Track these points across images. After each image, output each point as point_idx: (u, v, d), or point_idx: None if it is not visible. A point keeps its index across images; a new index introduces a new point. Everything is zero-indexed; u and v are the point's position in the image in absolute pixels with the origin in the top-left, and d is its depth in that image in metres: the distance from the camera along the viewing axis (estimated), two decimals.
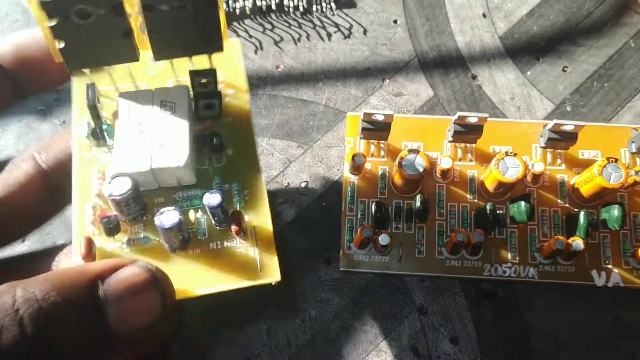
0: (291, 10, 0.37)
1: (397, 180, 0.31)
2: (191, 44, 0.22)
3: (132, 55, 0.22)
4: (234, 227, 0.22)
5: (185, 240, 0.22)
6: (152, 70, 0.26)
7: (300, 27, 0.37)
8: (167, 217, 0.21)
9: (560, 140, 0.31)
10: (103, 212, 0.23)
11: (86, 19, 0.20)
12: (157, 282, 0.19)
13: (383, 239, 0.30)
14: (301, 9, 0.37)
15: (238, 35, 0.37)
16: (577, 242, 0.30)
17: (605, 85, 0.35)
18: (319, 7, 0.37)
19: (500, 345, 0.31)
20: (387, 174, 0.33)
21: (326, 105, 0.35)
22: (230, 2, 0.36)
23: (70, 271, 0.18)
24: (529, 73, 0.35)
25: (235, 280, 0.22)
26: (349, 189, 0.33)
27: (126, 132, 0.23)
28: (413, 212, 0.32)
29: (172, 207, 0.21)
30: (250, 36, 0.37)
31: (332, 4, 0.36)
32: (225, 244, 0.23)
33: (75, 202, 0.23)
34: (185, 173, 0.23)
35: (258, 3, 0.36)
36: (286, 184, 0.34)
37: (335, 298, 0.32)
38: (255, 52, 0.36)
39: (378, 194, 0.33)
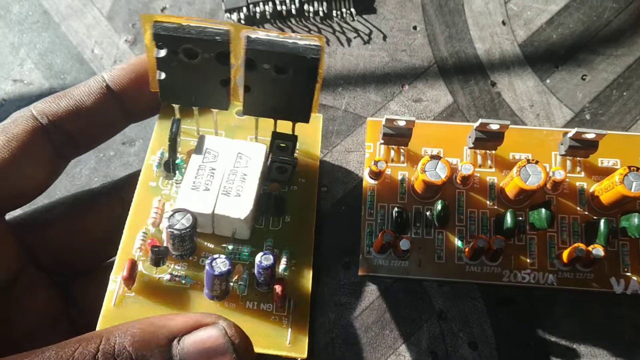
0: (311, 15, 0.37)
1: (418, 186, 0.31)
2: (280, 108, 0.23)
3: (223, 104, 0.23)
4: (277, 289, 0.22)
5: (225, 291, 0.23)
6: (235, 123, 0.27)
7: (319, 32, 0.37)
8: (219, 264, 0.21)
9: (581, 148, 0.31)
10: (154, 241, 0.23)
11: (191, 59, 0.21)
12: (235, 348, 0.19)
13: (404, 244, 0.30)
14: (321, 14, 0.37)
15: None
16: (598, 250, 0.30)
17: (625, 93, 0.35)
18: (339, 12, 0.37)
19: (519, 351, 0.31)
20: (406, 180, 0.33)
21: (346, 110, 0.35)
22: (250, 7, 0.36)
23: (152, 325, 0.19)
24: (548, 81, 0.35)
25: (262, 345, 0.22)
26: (369, 194, 0.33)
27: (198, 171, 0.24)
28: (433, 218, 0.32)
29: (224, 256, 0.22)
30: None
31: (352, 10, 0.37)
32: (262, 306, 0.23)
33: (128, 224, 0.24)
34: (242, 227, 0.23)
35: (278, 8, 0.36)
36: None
37: (355, 302, 0.32)
38: None
39: (398, 199, 0.33)
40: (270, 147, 0.25)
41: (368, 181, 0.33)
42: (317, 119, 0.28)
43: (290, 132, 0.25)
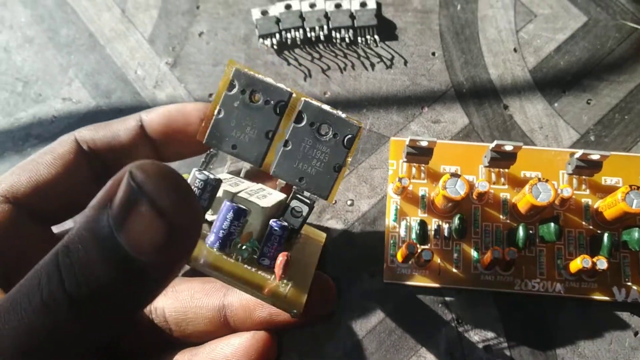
0: (338, 41, 0.40)
1: (438, 201, 0.34)
2: (308, 174, 0.25)
3: (257, 158, 0.26)
4: (280, 258, 0.23)
5: (230, 240, 0.23)
6: (259, 185, 0.28)
7: (346, 57, 0.40)
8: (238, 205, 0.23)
9: (587, 168, 0.35)
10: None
11: (252, 102, 0.24)
12: (146, 191, 0.15)
13: (426, 255, 0.33)
14: (347, 40, 0.40)
15: (289, 64, 0.40)
16: (601, 261, 0.33)
17: (626, 117, 0.38)
18: (363, 39, 0.40)
19: (530, 354, 0.34)
20: (427, 195, 0.36)
21: (370, 129, 0.38)
22: (283, 33, 0.40)
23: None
24: (556, 105, 0.38)
25: (257, 290, 0.22)
26: (393, 207, 0.36)
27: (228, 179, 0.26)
28: (452, 230, 0.35)
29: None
30: (300, 64, 0.40)
31: (376, 37, 0.40)
32: (260, 272, 0.23)
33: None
34: (258, 222, 0.24)
35: (308, 34, 0.39)
36: (334, 202, 0.37)
37: (379, 307, 0.35)
38: (305, 80, 0.39)
39: (419, 212, 0.36)
40: (283, 204, 0.26)
41: (391, 196, 0.36)
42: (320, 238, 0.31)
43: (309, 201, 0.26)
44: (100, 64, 0.40)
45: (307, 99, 0.25)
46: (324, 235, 0.32)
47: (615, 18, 0.40)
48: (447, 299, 0.35)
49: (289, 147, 0.25)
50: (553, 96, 0.39)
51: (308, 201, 0.26)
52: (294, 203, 0.26)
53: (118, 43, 0.41)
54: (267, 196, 0.26)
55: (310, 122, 0.25)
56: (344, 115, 0.25)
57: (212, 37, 0.41)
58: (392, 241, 0.35)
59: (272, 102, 0.25)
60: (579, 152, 0.34)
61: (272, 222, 0.23)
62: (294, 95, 0.25)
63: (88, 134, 0.28)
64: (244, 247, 0.23)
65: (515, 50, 0.40)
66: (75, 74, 0.40)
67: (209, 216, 0.24)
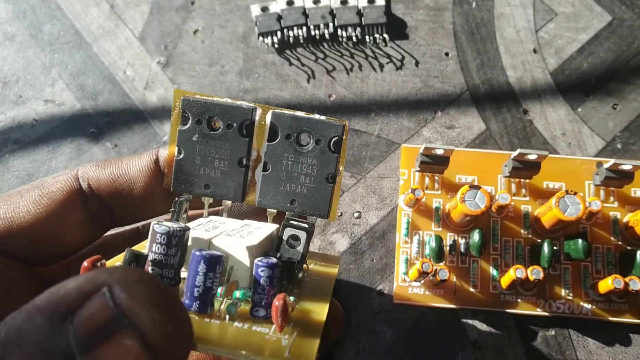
0: (344, 40, 0.37)
1: (455, 215, 0.31)
2: (298, 195, 0.22)
3: (236, 194, 0.22)
4: (277, 301, 0.17)
5: (210, 297, 0.18)
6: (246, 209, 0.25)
7: (352, 57, 0.37)
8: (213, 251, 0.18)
9: (616, 179, 0.32)
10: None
11: (213, 131, 0.21)
12: (131, 321, 0.13)
13: (442, 274, 0.30)
14: (354, 39, 0.37)
15: (291, 64, 0.37)
16: (634, 281, 0.30)
17: None
18: (371, 38, 0.37)
19: None
20: (441, 207, 0.33)
21: (379, 135, 0.35)
22: (285, 31, 0.37)
23: (49, 301, 0.14)
24: (579, 109, 0.36)
25: (258, 355, 0.17)
26: (404, 221, 0.33)
27: (198, 225, 0.21)
28: (469, 246, 0.32)
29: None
30: (303, 65, 0.37)
31: (385, 35, 0.37)
32: (254, 328, 0.18)
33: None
34: (244, 264, 0.20)
35: (312, 32, 0.37)
36: (339, 214, 0.34)
37: (389, 330, 0.32)
38: (308, 81, 0.37)
39: (433, 226, 0.33)
40: (278, 237, 0.22)
41: (403, 208, 0.33)
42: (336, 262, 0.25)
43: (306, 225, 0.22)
44: (86, 64, 0.37)
45: (275, 110, 0.21)
46: (338, 259, 0.27)
47: None
48: (464, 321, 0.32)
49: (269, 170, 0.22)
50: (576, 100, 0.36)
51: (305, 225, 0.21)
52: (288, 232, 0.21)
53: (106, 41, 0.38)
54: (254, 232, 0.21)
55: (286, 135, 0.21)
56: (322, 118, 0.21)
57: (207, 35, 0.38)
58: (404, 257, 0.32)
59: (234, 124, 0.21)
60: (609, 162, 0.31)
61: (256, 261, 0.19)
62: (259, 110, 0.21)
63: (93, 170, 0.24)
64: (231, 301, 0.19)
65: (534, 51, 0.37)
66: (59, 74, 0.37)
67: (183, 273, 0.20)
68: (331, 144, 0.21)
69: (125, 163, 0.24)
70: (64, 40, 0.38)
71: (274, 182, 0.22)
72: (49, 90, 0.36)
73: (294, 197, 0.22)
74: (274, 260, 0.18)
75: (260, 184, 0.22)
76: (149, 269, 0.19)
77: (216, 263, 0.18)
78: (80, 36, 0.38)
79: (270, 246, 0.22)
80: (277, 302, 0.17)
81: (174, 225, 0.19)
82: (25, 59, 0.37)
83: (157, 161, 0.24)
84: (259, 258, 0.19)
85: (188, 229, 0.19)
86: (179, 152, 0.22)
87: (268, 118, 0.21)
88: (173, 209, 0.22)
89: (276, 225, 0.22)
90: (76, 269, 0.18)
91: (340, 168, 0.21)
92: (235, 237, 0.20)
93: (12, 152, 0.35)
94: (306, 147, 0.21)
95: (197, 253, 0.18)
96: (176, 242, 0.19)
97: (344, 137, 0.21)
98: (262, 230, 0.22)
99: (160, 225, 0.19)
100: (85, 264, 0.17)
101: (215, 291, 0.18)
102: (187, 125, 0.21)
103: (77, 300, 0.13)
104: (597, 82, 0.36)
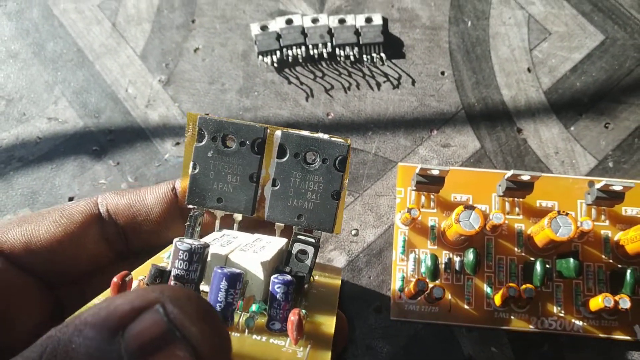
0: (342, 59, 0.38)
1: (450, 234, 0.32)
2: (305, 210, 0.23)
3: (247, 207, 0.23)
4: (292, 316, 0.19)
5: (231, 311, 0.19)
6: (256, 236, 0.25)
7: (350, 75, 0.38)
8: (233, 269, 0.19)
9: (607, 199, 0.32)
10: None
11: (227, 148, 0.22)
12: (184, 334, 0.14)
13: (437, 292, 0.31)
14: (352, 58, 0.38)
15: (290, 83, 0.37)
16: (624, 300, 0.30)
17: None
18: (369, 57, 0.38)
19: None
20: (437, 225, 0.34)
21: (376, 154, 0.36)
22: (283, 50, 0.37)
23: (99, 317, 0.14)
24: (572, 128, 0.36)
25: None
26: (400, 239, 0.33)
27: (213, 240, 0.23)
28: (464, 265, 0.32)
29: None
30: (302, 83, 0.38)
31: (382, 55, 0.38)
32: (272, 340, 0.20)
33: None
34: (258, 278, 0.21)
35: (311, 52, 0.37)
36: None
37: (386, 346, 0.32)
38: (307, 100, 0.37)
39: (428, 244, 0.33)
40: (287, 252, 0.23)
41: (399, 226, 0.34)
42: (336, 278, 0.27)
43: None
44: (88, 82, 0.38)
45: (284, 130, 0.23)
46: (340, 271, 0.29)
47: (634, 37, 0.38)
48: (459, 337, 0.33)
49: (278, 186, 0.23)
50: (569, 119, 0.37)
51: (312, 240, 0.23)
52: (297, 247, 0.23)
53: (108, 59, 0.38)
54: (266, 246, 0.23)
55: (294, 154, 0.23)
56: (327, 137, 0.23)
57: (208, 53, 0.38)
58: (400, 275, 0.33)
59: (247, 142, 0.23)
60: (600, 182, 0.32)
61: (272, 278, 0.20)
62: (269, 129, 0.23)
63: (112, 198, 0.26)
64: (248, 314, 0.20)
65: (529, 70, 0.38)
66: (61, 91, 0.37)
67: (202, 286, 0.21)
68: (336, 163, 0.22)
69: (143, 192, 0.26)
70: (66, 58, 0.38)
71: (283, 198, 0.23)
72: (52, 108, 0.37)
73: (301, 212, 0.23)
74: (289, 277, 0.20)
75: (270, 199, 0.23)
76: (172, 283, 0.20)
77: (236, 280, 0.19)
78: (82, 54, 0.38)
79: (280, 260, 0.23)
80: (292, 317, 0.19)
81: (195, 243, 0.20)
82: (28, 77, 0.38)
83: (173, 189, 0.26)
84: (275, 275, 0.20)
85: (207, 245, 0.20)
86: (194, 167, 0.23)
87: (277, 137, 0.23)
88: (188, 222, 0.23)
89: (285, 240, 0.24)
90: (90, 290, 0.20)
91: (345, 184, 0.23)
92: (249, 252, 0.22)
93: (16, 169, 0.36)
94: (313, 166, 0.23)
95: (219, 271, 0.19)
96: (197, 258, 0.20)
97: (348, 156, 0.22)
98: (273, 244, 0.23)
99: (182, 242, 0.20)
100: (115, 279, 0.18)
101: (235, 306, 0.19)
102: (203, 142, 0.23)
103: (129, 315, 0.14)
104: (589, 101, 0.37)
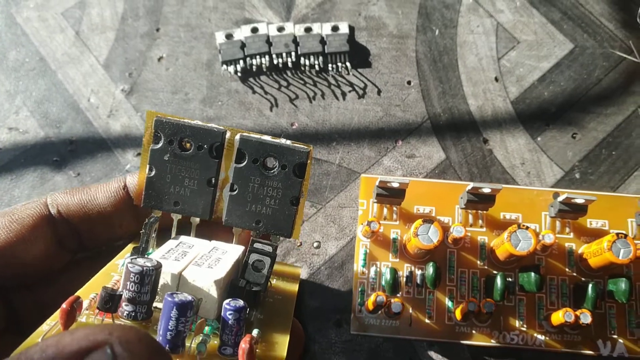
0: (307, 68, 0.37)
1: (410, 247, 0.31)
2: (263, 215, 0.23)
3: (205, 211, 0.23)
4: (243, 343, 0.18)
5: (181, 340, 0.19)
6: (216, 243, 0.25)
7: (315, 85, 0.37)
8: (180, 295, 0.19)
9: (570, 212, 0.32)
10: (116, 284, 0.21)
11: (184, 151, 0.22)
12: None
13: (395, 307, 0.30)
14: (317, 67, 0.37)
15: (254, 92, 0.37)
16: (585, 315, 0.30)
17: (613, 153, 0.36)
18: (334, 66, 0.37)
19: None
20: (399, 238, 0.33)
21: (339, 165, 0.36)
22: (247, 59, 0.37)
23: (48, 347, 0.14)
24: (539, 139, 0.36)
25: None
26: (362, 252, 0.33)
27: (168, 251, 0.22)
28: (424, 278, 0.32)
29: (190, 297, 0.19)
30: (266, 93, 0.37)
31: (348, 64, 0.37)
32: None
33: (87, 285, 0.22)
34: (212, 297, 0.21)
35: (275, 61, 0.37)
36: (299, 244, 0.34)
37: None
38: (271, 109, 0.37)
39: (390, 257, 0.33)
40: (246, 259, 0.23)
41: (361, 239, 0.33)
42: (296, 274, 0.26)
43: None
44: (50, 91, 0.37)
45: (243, 134, 0.22)
46: (298, 272, 0.27)
47: (603, 46, 0.38)
48: (420, 351, 0.32)
49: (236, 191, 0.23)
50: (536, 130, 0.36)
51: (269, 250, 0.23)
52: (253, 257, 0.22)
53: (70, 68, 0.38)
54: (221, 258, 0.23)
55: (253, 159, 0.22)
56: (288, 142, 0.22)
57: (172, 63, 0.38)
58: (360, 288, 0.33)
59: (205, 146, 0.22)
60: (562, 196, 0.31)
61: (225, 304, 0.20)
62: (228, 133, 0.22)
63: (62, 197, 0.25)
64: (200, 338, 0.20)
65: (496, 79, 0.37)
66: (23, 101, 0.37)
67: (156, 303, 0.21)
68: (296, 169, 0.22)
69: (93, 190, 0.26)
70: (28, 67, 0.38)
71: (241, 203, 0.23)
72: (13, 117, 0.37)
73: (259, 217, 0.23)
74: (241, 304, 0.20)
75: (227, 203, 0.23)
76: (124, 304, 0.20)
77: (187, 308, 0.19)
78: (45, 63, 0.38)
79: (236, 271, 0.23)
80: (244, 344, 0.18)
81: (146, 265, 0.20)
82: None
83: (125, 187, 0.25)
84: (227, 301, 0.20)
85: (160, 266, 0.20)
86: (150, 170, 0.22)
87: (237, 142, 0.22)
88: (143, 230, 0.23)
89: (242, 248, 0.23)
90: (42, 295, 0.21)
91: (304, 190, 0.23)
92: (203, 267, 0.21)
93: None
94: (272, 171, 0.22)
95: (169, 299, 0.19)
96: (148, 280, 0.20)
97: (308, 162, 0.22)
98: (229, 256, 0.23)
99: (133, 265, 0.19)
100: (64, 305, 0.18)
101: (187, 333, 0.19)
102: (159, 145, 0.22)
103: (76, 356, 0.14)
104: (557, 111, 0.37)
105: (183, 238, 0.24)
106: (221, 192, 0.23)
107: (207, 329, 0.20)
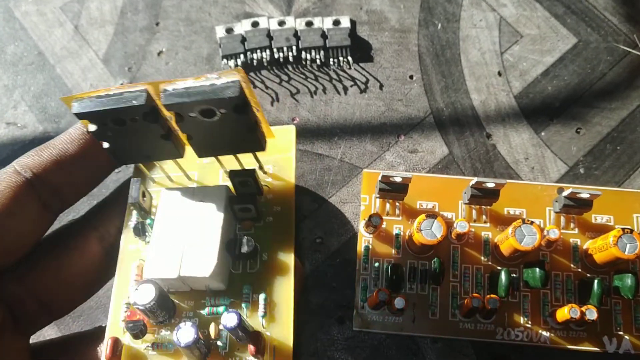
0: (308, 63, 0.37)
1: (413, 243, 0.31)
2: (231, 143, 0.23)
3: (175, 153, 0.23)
4: (251, 348, 0.21)
5: (203, 354, 0.22)
6: (205, 159, 0.26)
7: (316, 79, 0.37)
8: (183, 334, 0.21)
9: (575, 207, 0.32)
10: (132, 314, 0.23)
11: (121, 126, 0.21)
12: None
13: (398, 303, 0.30)
14: (318, 62, 0.37)
15: (255, 87, 0.37)
16: (591, 311, 0.30)
17: (618, 148, 0.35)
18: (336, 60, 0.37)
19: None
20: (402, 233, 0.33)
21: (341, 160, 0.35)
22: (248, 54, 0.36)
23: None
24: (543, 133, 0.36)
25: None
26: (364, 247, 0.33)
27: (162, 233, 0.23)
28: (428, 274, 0.32)
29: (190, 323, 0.21)
30: (267, 87, 0.37)
31: (349, 58, 0.37)
32: (246, 359, 0.22)
33: (114, 293, 0.24)
34: (213, 282, 0.23)
35: (276, 55, 0.36)
36: (301, 239, 0.34)
37: (348, 358, 0.32)
38: (272, 104, 0.36)
39: (393, 253, 0.33)
40: (233, 185, 0.24)
41: (363, 234, 0.33)
42: (288, 131, 0.26)
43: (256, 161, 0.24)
44: (49, 85, 0.37)
45: (166, 91, 0.20)
46: (291, 133, 0.27)
47: (607, 40, 0.37)
48: (423, 348, 0.32)
49: (193, 138, 0.22)
50: (540, 124, 0.36)
51: (248, 201, 0.23)
52: (237, 181, 0.23)
53: (69, 62, 0.37)
54: (209, 231, 0.23)
55: (188, 114, 0.20)
56: (212, 84, 0.20)
57: (172, 57, 0.38)
58: (362, 285, 0.32)
59: (137, 117, 0.20)
60: (567, 190, 0.31)
61: (220, 326, 0.21)
62: (151, 92, 0.20)
63: (31, 160, 0.25)
64: (219, 341, 0.23)
65: (499, 73, 0.37)
66: (21, 95, 0.37)
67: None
68: (234, 108, 0.20)
69: (58, 142, 0.25)
70: (27, 62, 0.37)
71: (203, 144, 0.22)
72: (11, 112, 0.36)
73: (225, 145, 0.23)
74: (235, 322, 0.21)
75: (193, 147, 0.23)
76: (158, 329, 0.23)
77: (195, 342, 0.21)
78: (43, 57, 0.37)
79: (227, 233, 0.24)
80: (251, 349, 0.21)
81: (146, 304, 0.21)
82: None
83: (87, 129, 0.24)
84: (223, 324, 0.21)
85: (157, 298, 0.21)
86: (106, 144, 0.22)
87: (165, 105, 0.20)
88: (132, 208, 0.24)
89: (225, 188, 0.24)
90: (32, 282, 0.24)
91: (256, 114, 0.21)
92: (196, 256, 0.22)
93: None
94: (215, 117, 0.21)
95: (176, 342, 0.21)
96: (156, 308, 0.22)
97: (244, 95, 0.20)
98: (216, 215, 0.23)
99: (137, 304, 0.21)
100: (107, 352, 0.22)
101: (203, 351, 0.22)
102: (95, 129, 0.21)
103: None
104: (561, 105, 0.36)
105: (167, 198, 0.24)
106: (182, 139, 0.23)
107: (219, 327, 0.22)
